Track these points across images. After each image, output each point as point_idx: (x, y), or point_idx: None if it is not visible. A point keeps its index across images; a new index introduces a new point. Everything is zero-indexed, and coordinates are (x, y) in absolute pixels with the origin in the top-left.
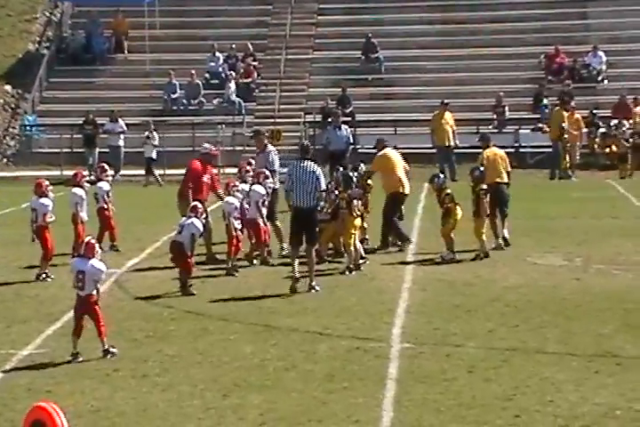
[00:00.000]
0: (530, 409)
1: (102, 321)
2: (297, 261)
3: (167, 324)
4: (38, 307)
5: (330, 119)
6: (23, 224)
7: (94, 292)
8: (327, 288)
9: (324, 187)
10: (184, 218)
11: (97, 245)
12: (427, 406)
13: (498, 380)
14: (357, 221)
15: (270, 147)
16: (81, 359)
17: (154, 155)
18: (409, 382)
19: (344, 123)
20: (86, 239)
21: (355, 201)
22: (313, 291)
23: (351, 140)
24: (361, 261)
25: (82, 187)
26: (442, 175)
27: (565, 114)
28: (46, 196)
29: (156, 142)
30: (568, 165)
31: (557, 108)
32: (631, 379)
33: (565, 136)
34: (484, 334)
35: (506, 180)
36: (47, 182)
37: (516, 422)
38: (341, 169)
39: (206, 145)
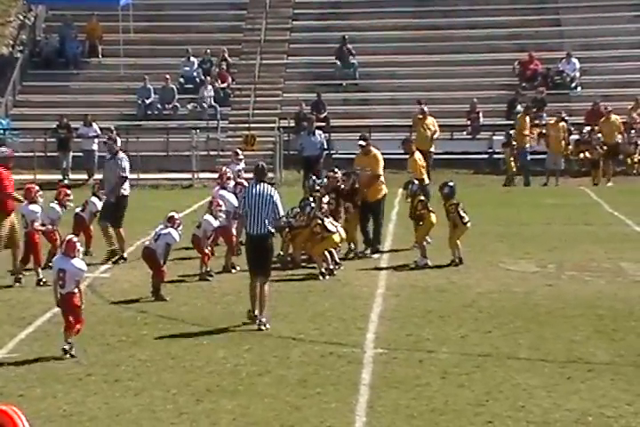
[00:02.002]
0: (502, 415)
1: (79, 321)
2: (257, 293)
3: (140, 328)
4: (10, 311)
5: (304, 125)
6: None
7: (75, 290)
8: (301, 293)
9: (282, 213)
10: (161, 226)
11: (78, 244)
12: (399, 411)
13: (470, 385)
14: (336, 238)
15: (122, 154)
16: (68, 356)
17: None
18: (382, 388)
19: (318, 128)
20: (67, 238)
21: (325, 219)
22: (263, 328)
23: (325, 146)
24: (334, 267)
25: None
26: (416, 182)
27: (527, 120)
28: (35, 202)
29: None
30: (514, 170)
31: (520, 114)
32: (602, 385)
33: (514, 143)
34: (456, 339)
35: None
36: (37, 188)
37: None
38: (314, 178)
39: (2, 149)
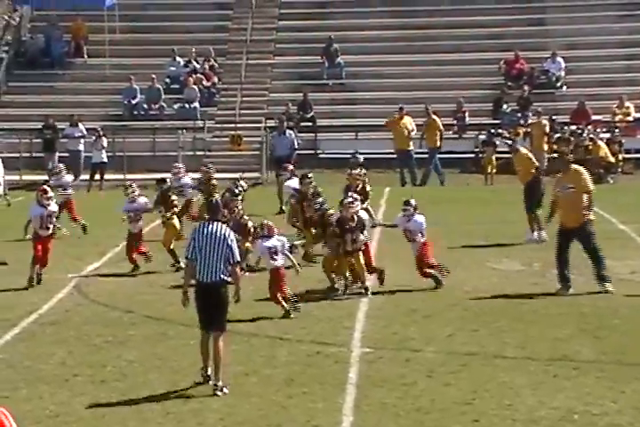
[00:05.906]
0: (488, 413)
1: (282, 286)
2: (208, 349)
3: (127, 329)
4: None
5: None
6: None
7: (283, 265)
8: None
9: (237, 258)
10: None
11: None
12: (386, 410)
13: (457, 384)
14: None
15: None
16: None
17: (105, 159)
18: (368, 387)
19: (289, 128)
20: (264, 222)
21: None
22: (219, 393)
23: (295, 146)
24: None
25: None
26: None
27: (437, 120)
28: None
29: (105, 144)
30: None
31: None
32: (588, 383)
33: (497, 142)
34: (443, 338)
35: None
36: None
37: None
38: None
39: None
